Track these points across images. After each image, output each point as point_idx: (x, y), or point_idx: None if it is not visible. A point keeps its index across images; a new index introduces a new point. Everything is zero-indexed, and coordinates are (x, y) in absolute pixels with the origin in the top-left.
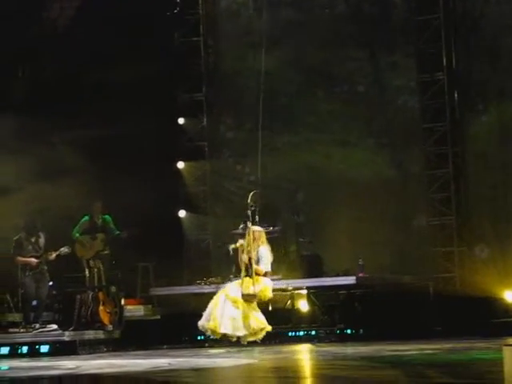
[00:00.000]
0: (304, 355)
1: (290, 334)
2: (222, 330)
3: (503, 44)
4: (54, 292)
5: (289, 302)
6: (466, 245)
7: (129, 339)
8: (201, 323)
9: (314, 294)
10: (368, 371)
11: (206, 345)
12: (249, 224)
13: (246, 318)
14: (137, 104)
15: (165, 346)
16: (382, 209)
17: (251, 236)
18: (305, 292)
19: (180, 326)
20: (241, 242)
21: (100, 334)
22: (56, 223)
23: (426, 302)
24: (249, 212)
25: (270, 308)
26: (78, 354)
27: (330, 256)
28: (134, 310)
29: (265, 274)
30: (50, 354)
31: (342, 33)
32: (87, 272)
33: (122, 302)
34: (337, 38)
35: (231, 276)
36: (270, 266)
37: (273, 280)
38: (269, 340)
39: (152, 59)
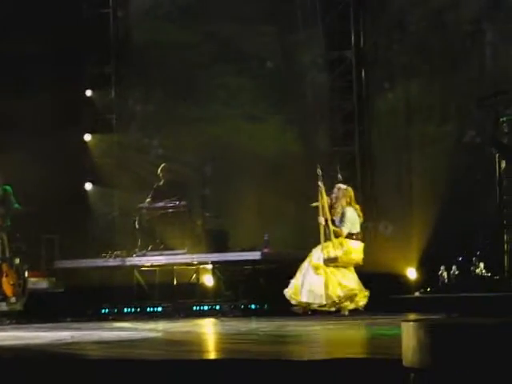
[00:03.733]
0: (208, 329)
1: (194, 308)
2: (303, 299)
3: (409, 22)
4: None
5: (194, 276)
6: (371, 222)
7: (32, 312)
8: (286, 291)
9: (219, 268)
10: (269, 346)
11: (110, 318)
12: (320, 184)
13: (326, 285)
14: (44, 76)
15: (68, 319)
16: (288, 185)
17: (324, 196)
18: (210, 267)
19: (84, 299)
20: (317, 203)
21: (3, 306)
22: None
23: None
24: (319, 171)
25: (175, 282)
26: None
27: (236, 231)
28: (38, 282)
29: (351, 236)
30: None
31: (252, 7)
32: None
33: (26, 274)
34: (247, 12)
35: (136, 250)
36: (357, 227)
37: (177, 254)
38: (173, 314)
39: (60, 31)
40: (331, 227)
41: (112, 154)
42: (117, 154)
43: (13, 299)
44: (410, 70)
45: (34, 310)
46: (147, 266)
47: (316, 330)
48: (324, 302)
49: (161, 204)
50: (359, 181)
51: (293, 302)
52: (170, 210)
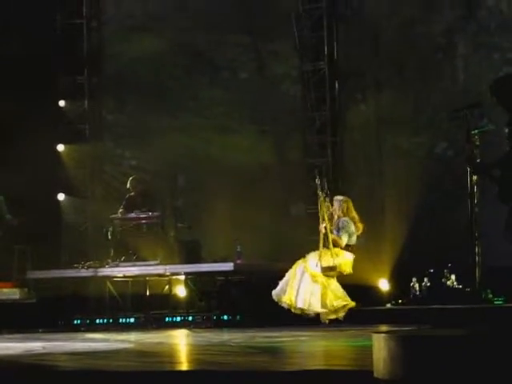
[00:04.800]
0: (180, 340)
1: (166, 319)
2: (299, 305)
3: (382, 34)
4: None
5: (166, 287)
6: None
7: (3, 323)
8: (275, 293)
9: (192, 279)
10: (241, 357)
11: (82, 329)
12: (320, 193)
13: (324, 294)
14: (17, 86)
15: (40, 330)
16: (261, 196)
17: (323, 205)
18: (183, 278)
19: (56, 310)
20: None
21: None
22: None
23: None
24: (317, 181)
25: (148, 293)
26: None
27: (209, 242)
28: (10, 293)
29: (347, 248)
30: None
31: (225, 18)
32: None
33: None
34: (220, 23)
35: (109, 260)
36: (354, 239)
37: (149, 265)
38: (145, 325)
39: (34, 41)
40: (330, 236)
41: (85, 165)
42: (89, 165)
43: None
44: (382, 81)
45: (5, 321)
46: (120, 277)
47: (288, 341)
48: (319, 311)
49: (133, 215)
50: (331, 193)
51: (283, 305)
52: (143, 221)
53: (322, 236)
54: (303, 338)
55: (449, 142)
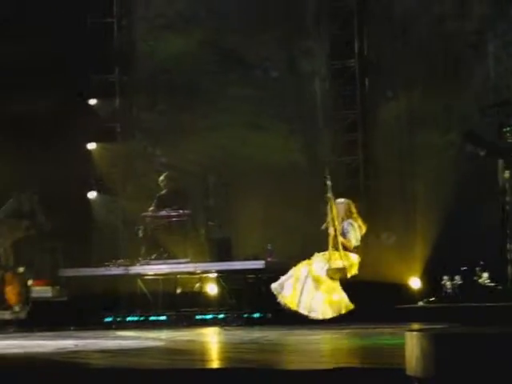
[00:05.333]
0: (211, 338)
1: (197, 317)
2: (299, 310)
3: (413, 31)
4: None
5: (197, 285)
6: (374, 232)
7: (35, 320)
8: (274, 287)
9: (223, 277)
10: (272, 355)
11: (114, 327)
12: (329, 194)
13: (325, 301)
14: (49, 84)
15: (71, 328)
16: (292, 194)
17: (334, 207)
18: (213, 275)
19: (87, 308)
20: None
21: (6, 315)
22: None
23: None
24: (328, 182)
25: (179, 291)
26: None
27: (240, 240)
28: (42, 290)
29: (353, 250)
30: None
31: (256, 17)
32: None
33: (30, 282)
34: (251, 21)
35: (140, 258)
36: (358, 240)
37: (180, 263)
38: (177, 323)
39: (65, 40)
40: (340, 239)
41: (116, 163)
42: (121, 163)
43: (16, 308)
44: (413, 79)
45: (38, 319)
46: (151, 275)
47: (319, 339)
48: (320, 317)
49: (164, 213)
50: (362, 190)
51: (281, 302)
52: (174, 219)
53: (331, 239)
54: (335, 336)
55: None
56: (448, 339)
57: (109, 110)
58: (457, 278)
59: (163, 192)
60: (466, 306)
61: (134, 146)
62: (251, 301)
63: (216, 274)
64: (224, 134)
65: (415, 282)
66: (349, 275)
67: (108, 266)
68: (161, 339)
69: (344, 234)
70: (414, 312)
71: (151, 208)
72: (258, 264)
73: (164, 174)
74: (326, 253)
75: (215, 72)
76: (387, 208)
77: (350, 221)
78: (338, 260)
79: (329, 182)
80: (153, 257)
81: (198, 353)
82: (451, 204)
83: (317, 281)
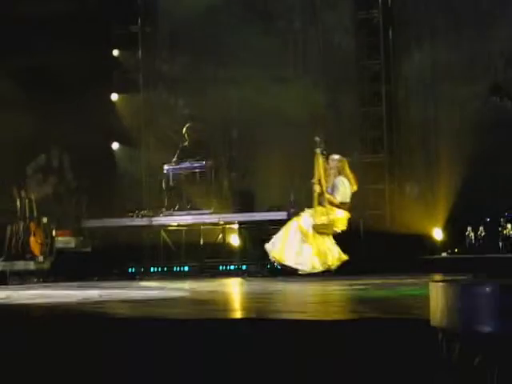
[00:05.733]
0: (234, 289)
1: (220, 267)
2: (286, 262)
3: None
4: None
5: (220, 236)
6: (397, 183)
7: (59, 271)
8: (267, 246)
9: (246, 228)
10: (296, 305)
11: (137, 277)
12: (317, 150)
13: (313, 253)
14: (71, 35)
15: (96, 278)
16: (315, 145)
17: (321, 164)
18: (236, 226)
19: (111, 259)
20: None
21: (30, 265)
22: None
23: (356, 239)
24: (317, 139)
25: (202, 242)
26: (8, 285)
27: (263, 191)
28: (65, 241)
29: (339, 206)
30: None
31: None
32: (18, 202)
33: (53, 233)
34: None
35: (163, 209)
36: (347, 197)
37: (203, 214)
38: (200, 273)
39: None
40: (326, 195)
41: (138, 114)
42: (143, 114)
43: (40, 258)
44: (437, 29)
45: (62, 269)
46: (174, 226)
47: (343, 289)
48: (307, 270)
49: (187, 164)
50: (386, 141)
51: (272, 259)
52: (197, 170)
53: (316, 195)
54: (359, 287)
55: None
56: (473, 290)
57: (131, 61)
58: (481, 229)
59: (185, 143)
60: (489, 257)
61: (157, 97)
62: None
63: (239, 225)
64: (247, 86)
65: (438, 233)
66: (337, 230)
67: (131, 216)
68: (184, 290)
69: (332, 190)
70: (437, 263)
71: (174, 159)
72: (281, 215)
73: (187, 125)
74: (312, 209)
75: (238, 24)
76: (410, 159)
77: (342, 178)
78: (323, 216)
79: (317, 138)
80: (176, 208)
81: (221, 303)
82: (475, 155)
83: (304, 235)
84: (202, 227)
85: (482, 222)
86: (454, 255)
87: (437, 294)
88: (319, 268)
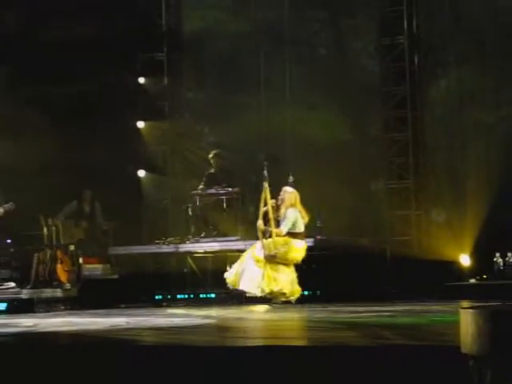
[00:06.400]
0: (261, 316)
1: (247, 294)
2: (240, 287)
3: (463, 8)
4: (12, 250)
5: None
6: (423, 208)
7: (86, 298)
8: (226, 274)
9: None
10: (324, 332)
11: (164, 304)
12: (265, 184)
13: (262, 277)
14: (97, 62)
15: (122, 305)
16: (341, 172)
17: (267, 196)
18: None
19: (138, 286)
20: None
21: (58, 293)
22: (17, 180)
23: (382, 265)
24: (265, 173)
25: (228, 268)
26: (36, 312)
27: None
28: (92, 268)
29: (295, 236)
30: (8, 311)
31: None
32: (45, 230)
33: (80, 260)
34: None
35: (189, 236)
36: (300, 228)
37: (230, 241)
38: (226, 300)
39: (113, 17)
40: (272, 228)
41: (164, 141)
42: (169, 141)
43: (67, 285)
44: (463, 56)
45: (89, 296)
46: (200, 253)
47: (371, 316)
48: (259, 294)
49: (213, 191)
50: (412, 167)
51: (229, 285)
52: (223, 197)
53: (260, 231)
54: (387, 314)
55: None
56: (505, 316)
57: (157, 88)
58: (509, 254)
59: (212, 170)
60: None
61: (183, 125)
62: (301, 279)
63: None
64: (272, 112)
65: (465, 259)
66: (291, 260)
67: (158, 243)
68: (211, 317)
69: (282, 221)
70: (464, 289)
71: (200, 186)
72: (308, 242)
73: (213, 152)
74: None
75: (263, 49)
76: (437, 185)
77: (294, 209)
78: (271, 247)
79: (265, 172)
80: (202, 235)
81: (248, 330)
82: (502, 180)
83: (256, 261)
84: (228, 254)
85: (510, 247)
86: (482, 281)
87: (467, 321)
88: (266, 292)
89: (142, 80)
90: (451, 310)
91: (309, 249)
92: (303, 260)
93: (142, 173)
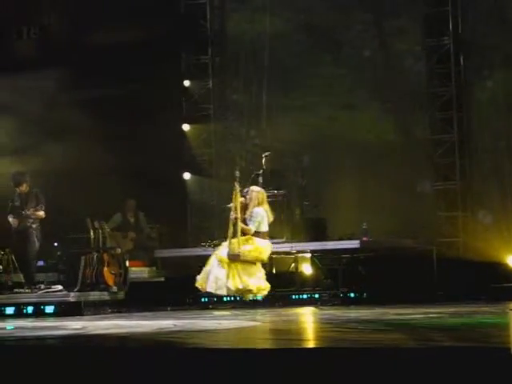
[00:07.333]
0: (307, 318)
1: (293, 296)
2: (207, 289)
3: (509, 9)
4: (59, 253)
5: (292, 265)
6: (470, 210)
7: (133, 301)
8: (197, 278)
9: (318, 257)
10: (372, 334)
11: (210, 306)
12: (236, 185)
13: (228, 277)
14: (142, 66)
15: (169, 308)
16: (386, 173)
17: (238, 197)
18: (309, 255)
19: (184, 288)
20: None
21: (105, 295)
22: (60, 183)
23: (429, 267)
24: (237, 173)
25: (274, 271)
26: (83, 315)
27: (334, 220)
28: (139, 271)
29: (258, 235)
30: (55, 314)
31: None
32: (92, 233)
33: (127, 263)
34: (343, 1)
35: None
36: (265, 227)
37: (276, 243)
38: (272, 302)
39: (158, 21)
40: (240, 225)
41: (210, 144)
42: (214, 144)
43: (114, 288)
44: (509, 57)
45: (135, 299)
46: None
47: (419, 318)
48: (225, 294)
49: None
50: (458, 168)
51: (199, 288)
52: (269, 199)
53: (231, 225)
54: (434, 315)
55: None
56: None
57: (202, 90)
58: None
59: (259, 172)
60: None
61: (227, 127)
62: (347, 280)
63: (311, 254)
64: (317, 114)
65: None
66: (257, 259)
67: (204, 246)
68: (257, 319)
69: (250, 219)
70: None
71: (246, 189)
72: (353, 243)
73: (266, 153)
74: (229, 240)
75: (307, 52)
76: (484, 186)
77: (261, 209)
78: (236, 246)
79: (237, 172)
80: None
81: (294, 332)
82: None
83: (220, 261)
84: (274, 256)
85: None
86: None
87: None
88: (232, 291)
89: (187, 83)
90: (499, 312)
91: (355, 251)
92: (349, 262)
93: (187, 175)
